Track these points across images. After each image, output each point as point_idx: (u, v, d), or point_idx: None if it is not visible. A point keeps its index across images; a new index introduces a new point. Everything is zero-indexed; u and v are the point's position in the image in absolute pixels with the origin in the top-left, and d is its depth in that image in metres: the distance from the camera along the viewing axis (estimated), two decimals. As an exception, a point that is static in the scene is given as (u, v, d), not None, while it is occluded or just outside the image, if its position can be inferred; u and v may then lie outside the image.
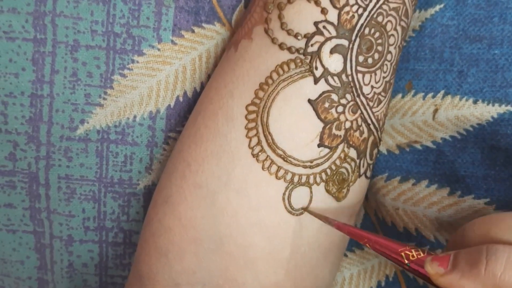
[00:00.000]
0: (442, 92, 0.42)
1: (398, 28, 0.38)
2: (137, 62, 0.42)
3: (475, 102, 0.41)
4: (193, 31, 0.42)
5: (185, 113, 0.43)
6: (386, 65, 0.38)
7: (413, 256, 0.31)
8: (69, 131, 0.43)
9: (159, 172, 0.44)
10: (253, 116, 0.37)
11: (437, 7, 0.42)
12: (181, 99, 0.43)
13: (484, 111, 0.40)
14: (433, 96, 0.42)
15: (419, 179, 0.43)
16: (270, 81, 0.36)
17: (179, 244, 0.38)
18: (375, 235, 0.34)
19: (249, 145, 0.36)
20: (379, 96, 0.38)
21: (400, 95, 0.44)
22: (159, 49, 0.42)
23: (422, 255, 0.31)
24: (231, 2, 0.42)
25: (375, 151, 0.40)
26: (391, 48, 0.38)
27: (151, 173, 0.44)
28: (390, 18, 0.37)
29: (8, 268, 0.47)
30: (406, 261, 0.31)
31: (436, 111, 0.42)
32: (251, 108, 0.37)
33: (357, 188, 0.39)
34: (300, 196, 0.37)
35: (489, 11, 0.40)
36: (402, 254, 0.32)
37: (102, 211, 0.45)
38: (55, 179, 0.44)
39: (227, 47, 0.41)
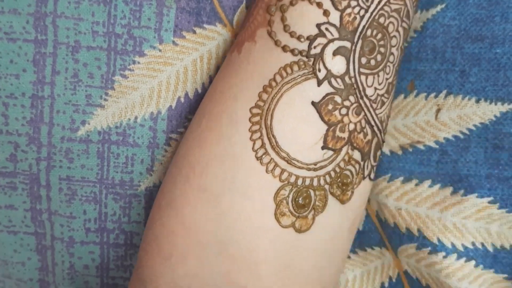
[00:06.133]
0: (445, 91, 0.42)
1: (400, 29, 0.38)
2: (138, 63, 0.42)
3: (477, 101, 0.41)
4: (194, 32, 0.42)
5: (186, 114, 0.43)
6: (389, 66, 0.38)
7: None
8: (70, 132, 0.42)
9: (160, 173, 0.44)
10: (257, 118, 0.36)
11: (439, 7, 0.42)
12: (182, 100, 0.43)
13: (487, 110, 0.41)
14: (436, 96, 0.42)
15: (422, 179, 0.43)
16: (273, 84, 0.36)
17: (182, 247, 0.38)
18: None
19: (253, 147, 0.36)
20: (382, 98, 0.38)
21: (402, 96, 0.44)
22: (160, 50, 0.42)
23: None
24: (233, 3, 0.42)
25: (379, 152, 0.40)
26: (393, 50, 0.38)
27: (152, 174, 0.44)
28: (391, 19, 0.37)
29: (9, 270, 0.47)
30: None
31: (438, 111, 0.42)
32: (255, 110, 0.36)
33: (361, 191, 0.39)
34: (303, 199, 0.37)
35: (491, 11, 0.40)
36: None
37: (103, 212, 0.45)
38: (56, 180, 0.44)
39: (231, 49, 0.40)
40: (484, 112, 0.41)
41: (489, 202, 0.41)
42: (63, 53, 0.41)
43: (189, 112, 0.43)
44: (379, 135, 0.39)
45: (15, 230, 0.45)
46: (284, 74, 0.36)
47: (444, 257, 0.43)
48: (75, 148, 0.43)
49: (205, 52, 0.42)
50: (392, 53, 0.38)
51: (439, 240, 0.43)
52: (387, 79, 0.38)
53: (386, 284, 0.47)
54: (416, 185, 0.43)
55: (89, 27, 0.41)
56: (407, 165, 0.44)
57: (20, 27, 0.40)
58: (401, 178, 0.44)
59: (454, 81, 0.42)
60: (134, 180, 0.44)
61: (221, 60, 0.43)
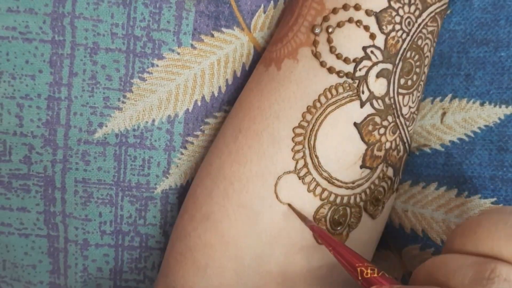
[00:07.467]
0: (450, 95, 0.42)
1: (432, 49, 0.39)
2: (157, 65, 0.41)
3: (482, 104, 0.41)
4: (212, 36, 0.42)
5: (202, 117, 0.43)
6: (421, 85, 0.39)
7: (366, 273, 0.31)
8: (87, 135, 0.42)
9: (176, 176, 0.44)
10: (300, 138, 0.37)
11: (444, 13, 0.42)
12: (199, 103, 0.43)
13: (491, 113, 0.41)
14: (441, 100, 0.43)
15: (428, 182, 0.44)
16: (318, 105, 0.37)
17: (219, 260, 0.38)
18: (342, 245, 0.34)
19: (295, 167, 0.37)
20: (413, 115, 0.39)
21: (410, 100, 0.44)
22: (178, 53, 0.41)
23: (375, 275, 0.31)
24: (251, 7, 0.42)
25: (403, 165, 0.41)
26: (425, 69, 0.39)
27: (169, 177, 0.44)
28: (427, 41, 0.38)
29: (18, 273, 0.46)
30: (360, 277, 0.31)
31: (444, 114, 0.42)
32: (298, 130, 0.37)
33: (389, 204, 0.40)
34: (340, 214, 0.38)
35: (496, 14, 0.41)
36: (358, 269, 0.32)
37: (119, 215, 0.44)
38: (72, 182, 0.43)
39: (265, 62, 0.40)
40: (489, 114, 0.41)
41: (492, 203, 0.42)
42: (81, 55, 0.40)
43: (205, 115, 0.43)
44: (408, 150, 0.40)
45: (26, 233, 0.45)
46: (329, 96, 0.37)
47: (448, 257, 0.44)
48: (92, 150, 0.42)
49: (222, 56, 0.42)
50: (424, 72, 0.39)
51: (442, 241, 0.43)
52: (418, 96, 0.39)
53: (392, 285, 0.48)
54: (423, 188, 0.44)
55: (108, 29, 0.40)
56: (414, 168, 0.44)
57: (37, 27, 0.40)
58: (409, 182, 0.44)
59: (459, 85, 0.42)
60: (150, 183, 0.44)
61: (238, 63, 0.43)
